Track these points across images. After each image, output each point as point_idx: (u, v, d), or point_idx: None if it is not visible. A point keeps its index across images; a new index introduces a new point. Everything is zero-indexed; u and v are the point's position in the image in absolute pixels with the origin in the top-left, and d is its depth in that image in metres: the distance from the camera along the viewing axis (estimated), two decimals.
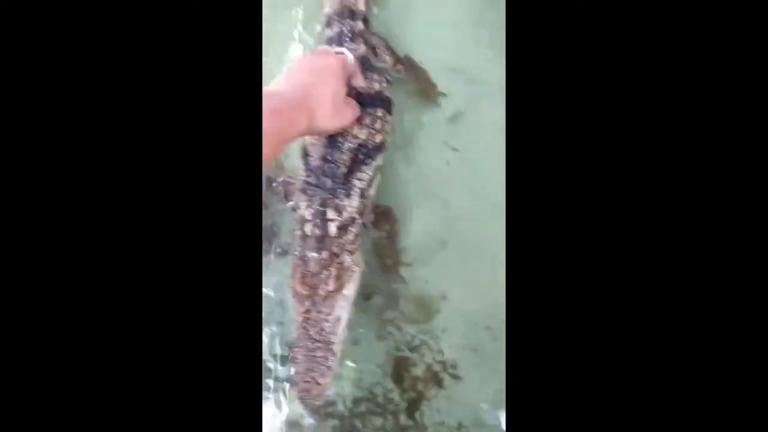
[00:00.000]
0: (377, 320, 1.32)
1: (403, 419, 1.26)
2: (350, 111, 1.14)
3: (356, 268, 1.16)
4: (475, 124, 1.40)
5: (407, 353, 1.30)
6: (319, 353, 1.08)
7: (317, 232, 1.13)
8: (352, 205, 1.18)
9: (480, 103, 1.40)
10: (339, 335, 1.11)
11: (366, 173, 1.21)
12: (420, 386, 1.28)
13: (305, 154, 1.21)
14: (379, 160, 1.25)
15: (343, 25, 1.32)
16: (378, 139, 1.23)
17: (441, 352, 1.29)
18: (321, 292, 1.10)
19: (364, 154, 1.20)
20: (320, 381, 1.06)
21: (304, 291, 1.11)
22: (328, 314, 1.10)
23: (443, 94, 1.42)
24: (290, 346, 1.12)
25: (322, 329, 1.09)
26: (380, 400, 1.28)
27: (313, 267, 1.11)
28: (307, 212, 1.16)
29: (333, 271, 1.11)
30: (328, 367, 1.08)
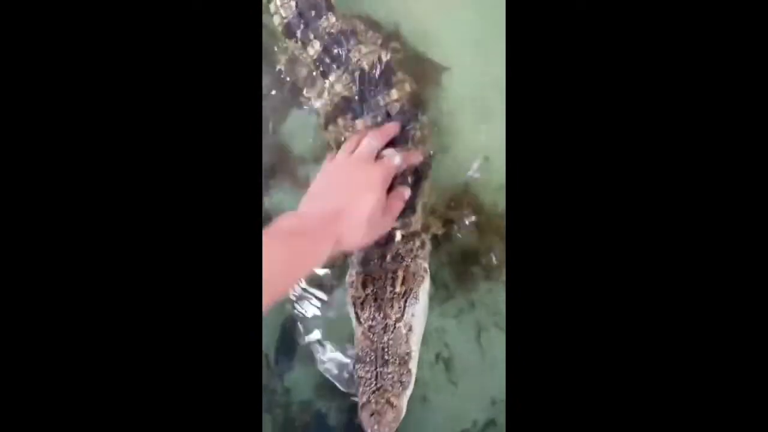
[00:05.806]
0: None
1: None
2: (388, 220, 0.92)
3: (425, 275, 0.97)
4: None
5: None
6: (391, 368, 0.88)
7: (381, 241, 0.96)
8: (417, 218, 1.01)
9: None
10: (413, 348, 0.91)
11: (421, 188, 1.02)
12: None
13: None
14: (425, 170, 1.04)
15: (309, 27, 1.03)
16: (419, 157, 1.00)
17: None
18: (387, 294, 0.92)
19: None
20: (395, 402, 0.85)
21: (366, 292, 0.93)
22: (398, 320, 0.91)
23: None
24: (354, 364, 0.94)
25: (392, 339, 0.89)
26: None
27: (376, 270, 0.94)
28: None
29: (399, 273, 0.94)
30: (403, 385, 0.87)
